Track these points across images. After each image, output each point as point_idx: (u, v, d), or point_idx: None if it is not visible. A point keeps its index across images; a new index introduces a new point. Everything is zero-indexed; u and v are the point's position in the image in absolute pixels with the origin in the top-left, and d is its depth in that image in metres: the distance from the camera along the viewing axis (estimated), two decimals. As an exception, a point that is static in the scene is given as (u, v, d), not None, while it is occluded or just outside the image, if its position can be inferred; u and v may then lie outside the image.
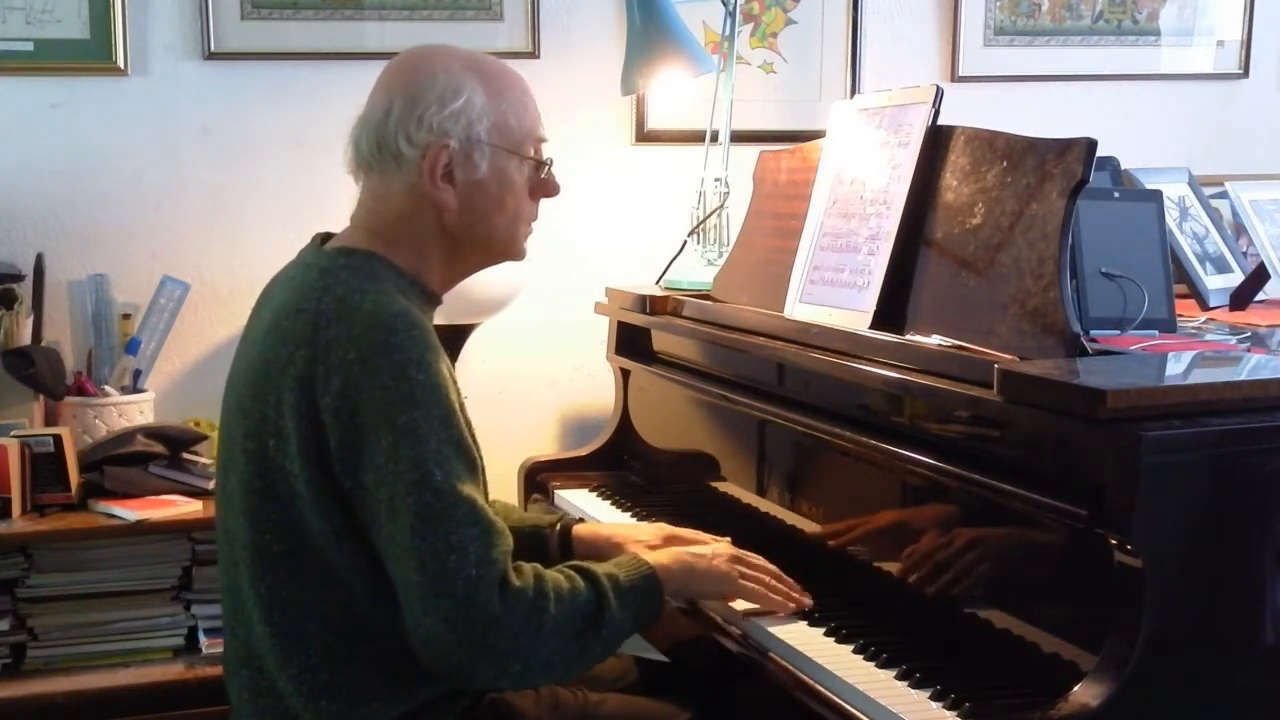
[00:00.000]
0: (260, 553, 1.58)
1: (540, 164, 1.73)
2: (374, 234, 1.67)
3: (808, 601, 1.77)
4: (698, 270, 2.53)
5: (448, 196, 1.65)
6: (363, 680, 1.58)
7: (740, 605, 1.79)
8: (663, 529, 1.98)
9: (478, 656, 1.49)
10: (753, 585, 1.77)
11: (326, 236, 1.73)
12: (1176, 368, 1.64)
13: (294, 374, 1.54)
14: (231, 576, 1.65)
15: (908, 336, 1.81)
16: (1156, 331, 1.93)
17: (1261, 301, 2.38)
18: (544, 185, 1.75)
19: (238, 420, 1.62)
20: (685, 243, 2.59)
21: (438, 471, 1.49)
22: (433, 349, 1.56)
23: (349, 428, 1.51)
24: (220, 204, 2.77)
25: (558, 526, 1.97)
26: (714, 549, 1.81)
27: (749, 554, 1.82)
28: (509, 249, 1.75)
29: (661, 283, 2.56)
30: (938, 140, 1.89)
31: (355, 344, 1.52)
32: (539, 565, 1.59)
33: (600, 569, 1.65)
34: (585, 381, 2.97)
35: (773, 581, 1.79)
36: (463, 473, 1.52)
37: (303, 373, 1.53)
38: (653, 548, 1.92)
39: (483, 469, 1.63)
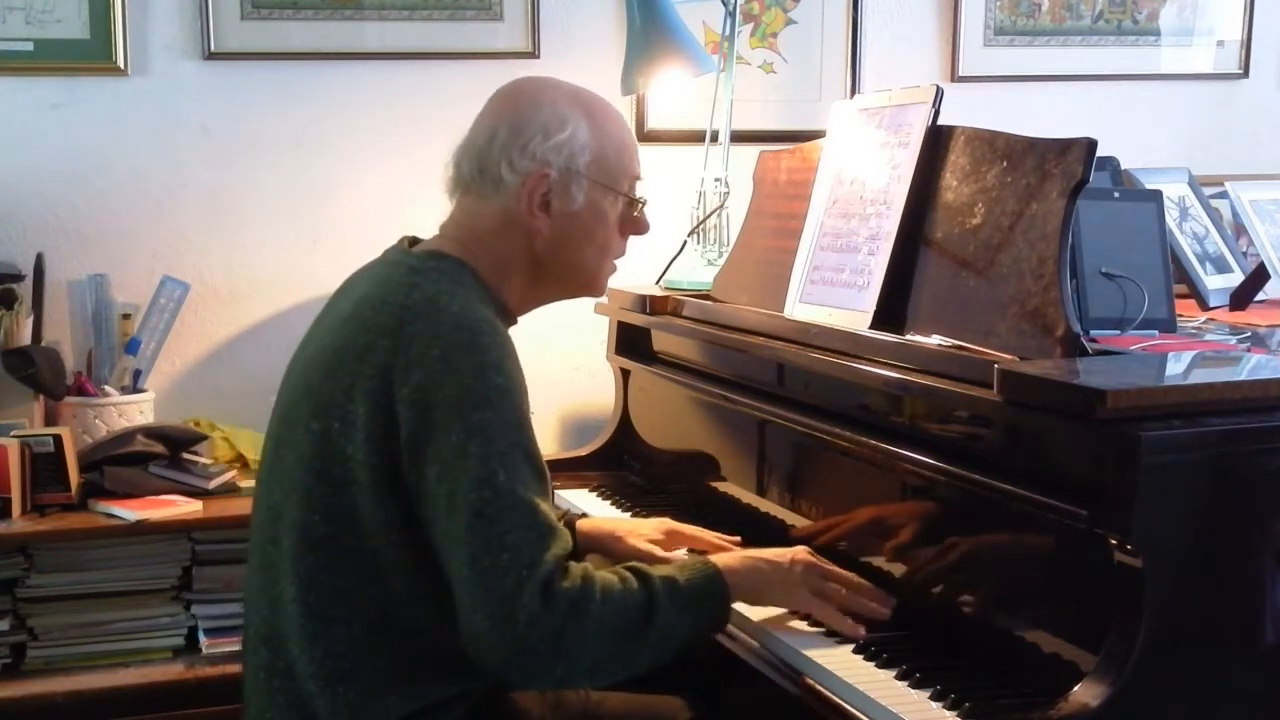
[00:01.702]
0: (306, 532, 1.59)
1: (633, 201, 1.76)
2: (463, 246, 1.70)
3: (886, 612, 1.71)
4: (698, 270, 2.53)
5: (541, 224, 1.69)
6: (383, 673, 1.59)
7: (758, 614, 1.77)
8: (664, 523, 1.99)
9: (519, 656, 1.49)
10: (823, 603, 1.71)
11: (414, 240, 1.75)
12: (1176, 368, 1.64)
13: (373, 361, 1.56)
14: (267, 554, 1.65)
15: (908, 336, 1.81)
16: (1156, 331, 1.94)
17: (1261, 301, 2.38)
18: (635, 223, 1.78)
19: (304, 400, 1.63)
20: (685, 243, 2.59)
21: (501, 472, 1.51)
22: (512, 358, 1.59)
23: (422, 421, 1.52)
24: (220, 204, 2.77)
25: (560, 522, 1.97)
26: (792, 554, 1.76)
27: (827, 563, 1.77)
28: (592, 282, 1.79)
29: (661, 283, 2.56)
30: (938, 140, 1.89)
31: (439, 341, 1.54)
32: (588, 565, 1.59)
33: (657, 570, 1.64)
34: (585, 381, 2.97)
35: (847, 595, 1.72)
36: (528, 478, 1.54)
37: (383, 362, 1.55)
38: (653, 541, 1.96)
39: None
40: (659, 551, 1.94)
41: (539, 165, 1.67)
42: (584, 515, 2.06)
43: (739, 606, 1.76)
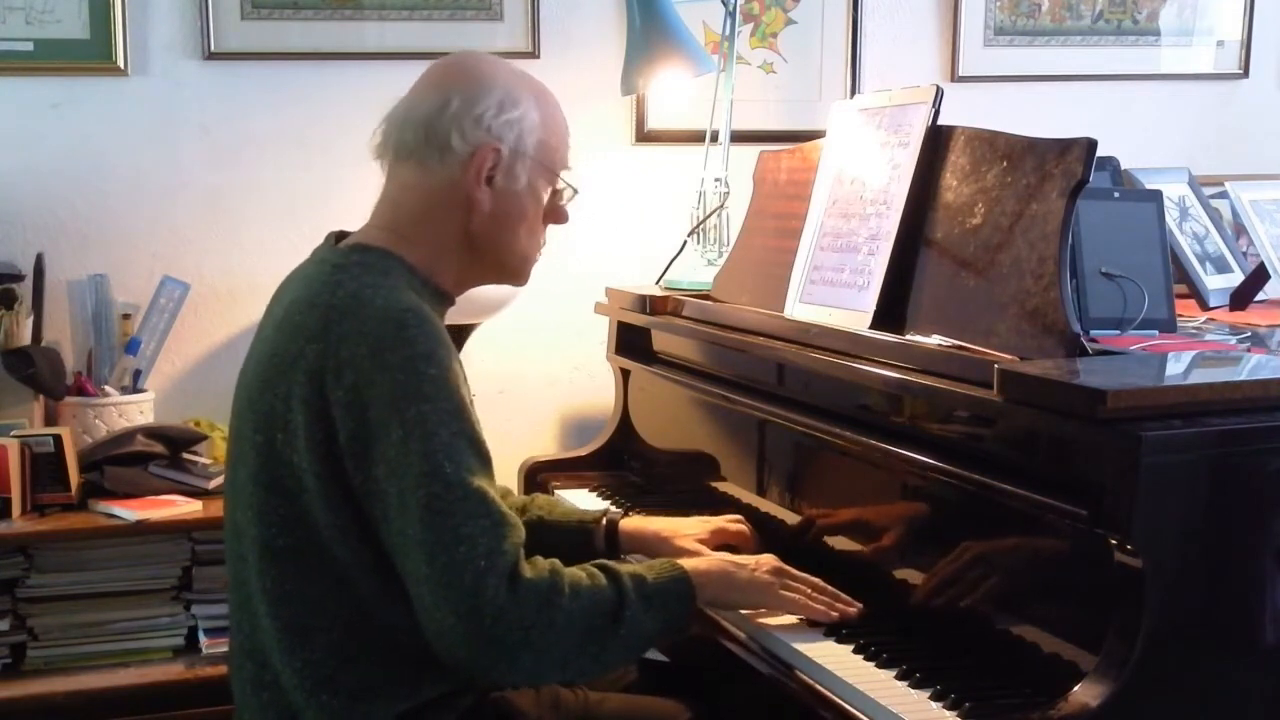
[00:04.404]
0: (267, 547, 1.58)
1: (558, 191, 1.76)
2: (392, 230, 1.69)
3: (853, 611, 1.73)
4: (698, 270, 2.53)
5: (484, 198, 1.68)
6: (366, 676, 1.58)
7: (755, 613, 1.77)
8: (708, 521, 1.98)
9: (487, 649, 1.49)
10: (794, 596, 1.74)
11: (341, 235, 1.74)
12: (1176, 368, 1.64)
13: (304, 367, 1.55)
14: (238, 570, 1.66)
15: (908, 336, 1.81)
16: (1156, 331, 1.94)
17: (1261, 301, 2.38)
18: (558, 212, 1.78)
19: (247, 414, 1.63)
20: (685, 243, 2.59)
21: (448, 464, 1.50)
22: (443, 344, 1.57)
23: (360, 421, 1.51)
24: (220, 204, 2.77)
25: (604, 521, 1.97)
26: (757, 559, 1.78)
27: (791, 569, 1.78)
28: (520, 267, 1.77)
29: (661, 283, 2.56)
30: (938, 140, 1.89)
31: (367, 339, 1.53)
32: (556, 560, 1.59)
33: (626, 568, 1.64)
34: (585, 381, 2.97)
35: (814, 595, 1.75)
36: (474, 465, 1.53)
37: (314, 366, 1.54)
38: (701, 540, 1.93)
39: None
40: (707, 551, 1.90)
41: (492, 139, 1.66)
42: (625, 515, 2.03)
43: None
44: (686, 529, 1.96)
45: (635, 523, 2.00)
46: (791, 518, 2.02)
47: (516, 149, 1.68)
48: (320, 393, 1.53)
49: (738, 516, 2.02)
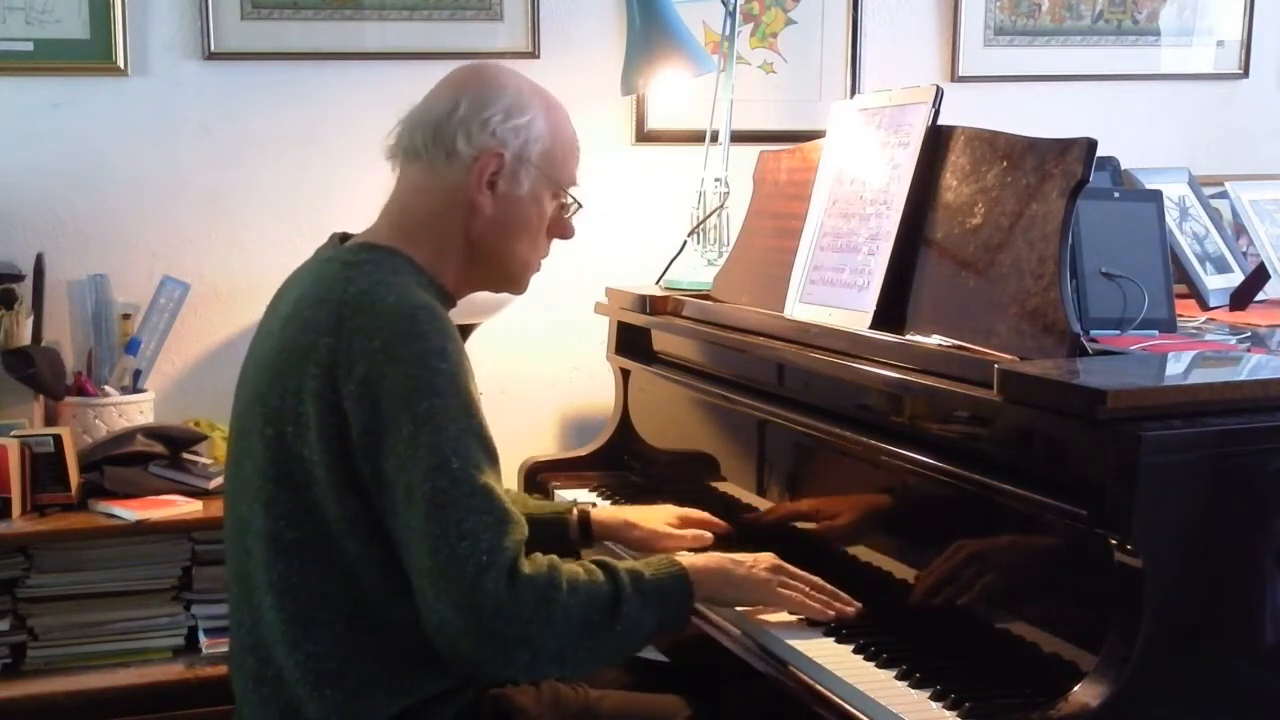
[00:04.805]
0: (274, 539, 1.59)
1: (564, 205, 1.78)
2: (399, 229, 1.71)
3: (851, 610, 1.74)
4: (698, 270, 2.53)
5: (485, 202, 1.70)
6: (369, 671, 1.59)
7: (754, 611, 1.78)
8: (671, 510, 2.04)
9: (485, 643, 1.50)
10: (791, 594, 1.75)
11: (345, 236, 1.75)
12: (1176, 368, 1.64)
13: (317, 360, 1.56)
14: (242, 564, 1.66)
15: (908, 336, 1.81)
16: (1156, 331, 1.94)
17: (1261, 301, 2.38)
18: (562, 226, 1.80)
19: (255, 408, 1.63)
20: (685, 243, 2.59)
21: (455, 459, 1.51)
22: (454, 341, 1.59)
23: (371, 415, 1.53)
24: (220, 204, 2.77)
25: (575, 512, 2.02)
26: (755, 557, 1.80)
27: (790, 566, 1.79)
28: (519, 275, 1.79)
29: (661, 283, 2.56)
30: (938, 140, 1.89)
31: (379, 334, 1.55)
32: (555, 556, 1.60)
33: (623, 564, 1.65)
34: (585, 381, 2.97)
35: (811, 593, 1.76)
36: (481, 461, 1.54)
37: (326, 360, 1.55)
38: (670, 524, 2.01)
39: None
40: (675, 532, 1.99)
41: (496, 143, 1.68)
42: (594, 506, 2.09)
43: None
44: (655, 514, 2.03)
45: (606, 512, 2.07)
46: (791, 517, 2.02)
47: (520, 155, 1.70)
48: (333, 386, 1.55)
49: (702, 513, 2.07)
